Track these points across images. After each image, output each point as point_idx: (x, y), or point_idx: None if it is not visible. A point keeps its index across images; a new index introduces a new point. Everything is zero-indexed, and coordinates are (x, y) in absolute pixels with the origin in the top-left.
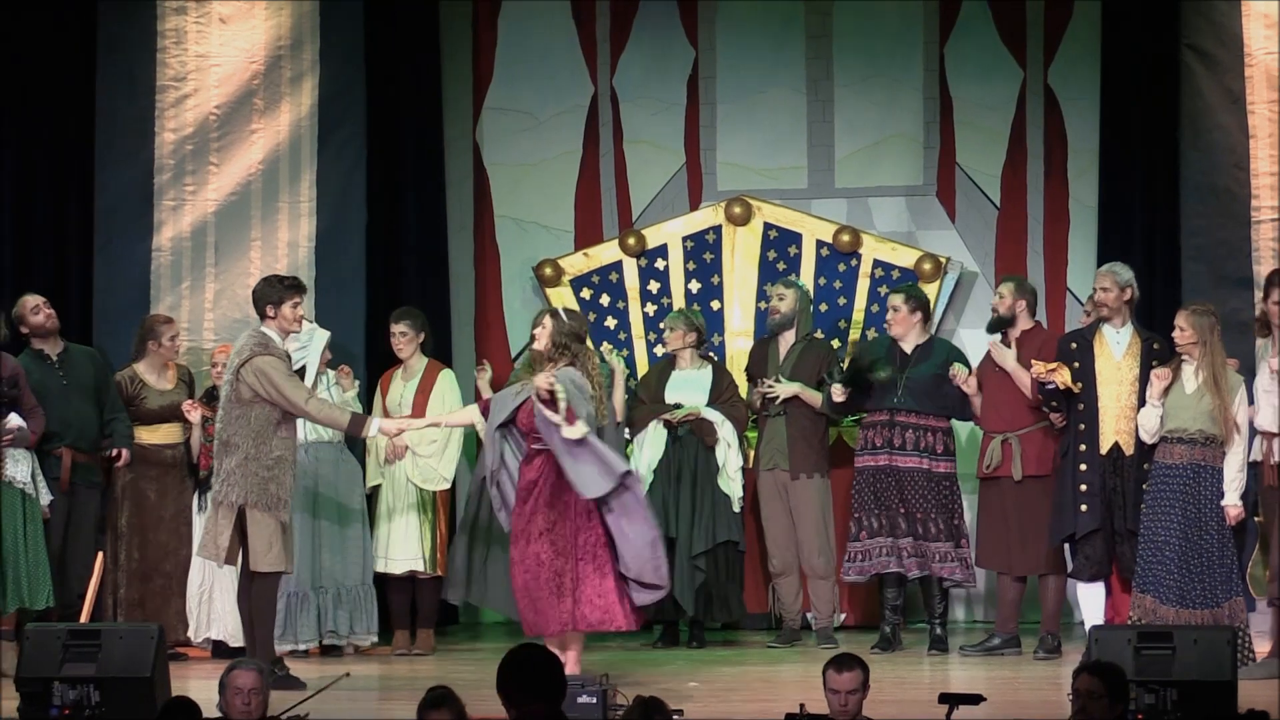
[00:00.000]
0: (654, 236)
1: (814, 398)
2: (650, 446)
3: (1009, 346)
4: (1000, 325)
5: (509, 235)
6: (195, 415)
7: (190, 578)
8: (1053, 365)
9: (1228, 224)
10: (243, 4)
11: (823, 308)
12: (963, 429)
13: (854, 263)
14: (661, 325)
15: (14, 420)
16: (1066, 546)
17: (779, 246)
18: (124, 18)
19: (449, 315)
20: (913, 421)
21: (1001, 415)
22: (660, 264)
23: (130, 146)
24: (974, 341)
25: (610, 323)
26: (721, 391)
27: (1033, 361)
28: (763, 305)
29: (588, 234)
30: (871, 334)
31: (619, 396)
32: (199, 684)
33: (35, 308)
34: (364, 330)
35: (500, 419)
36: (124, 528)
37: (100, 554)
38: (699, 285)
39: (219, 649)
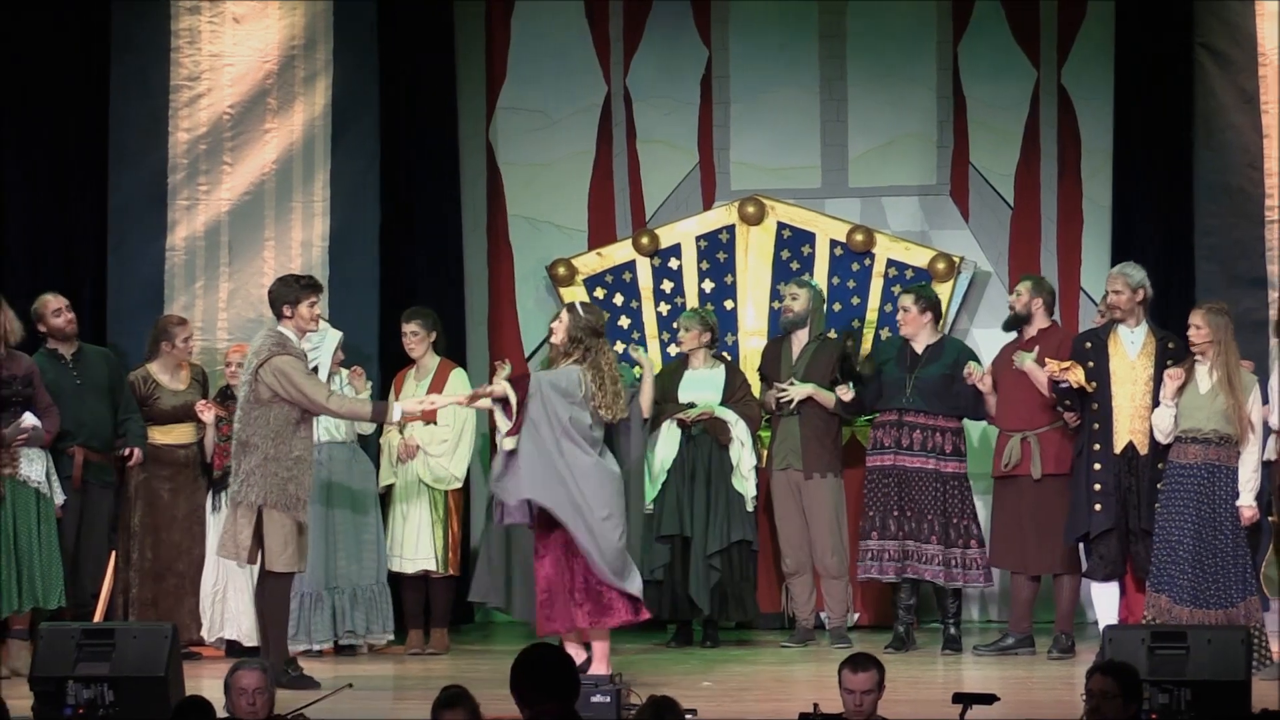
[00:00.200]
0: (667, 236)
1: (827, 398)
2: (664, 446)
3: (1026, 347)
4: (1016, 323)
5: (522, 235)
6: (209, 415)
7: (204, 577)
8: (1066, 364)
9: (1241, 224)
10: (256, 3)
11: (836, 307)
12: (975, 429)
13: (867, 262)
14: (676, 325)
15: (29, 419)
16: (1081, 546)
17: (792, 246)
18: (137, 17)
19: (463, 315)
20: (921, 421)
21: (1019, 414)
22: (673, 263)
23: (144, 146)
24: (987, 341)
25: (623, 322)
26: (734, 391)
27: (1046, 360)
28: (776, 305)
29: (601, 233)
30: (885, 334)
31: (647, 395)
32: (212, 683)
33: (57, 310)
34: (377, 330)
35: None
36: (137, 527)
37: (113, 553)
38: (712, 285)
39: (233, 648)
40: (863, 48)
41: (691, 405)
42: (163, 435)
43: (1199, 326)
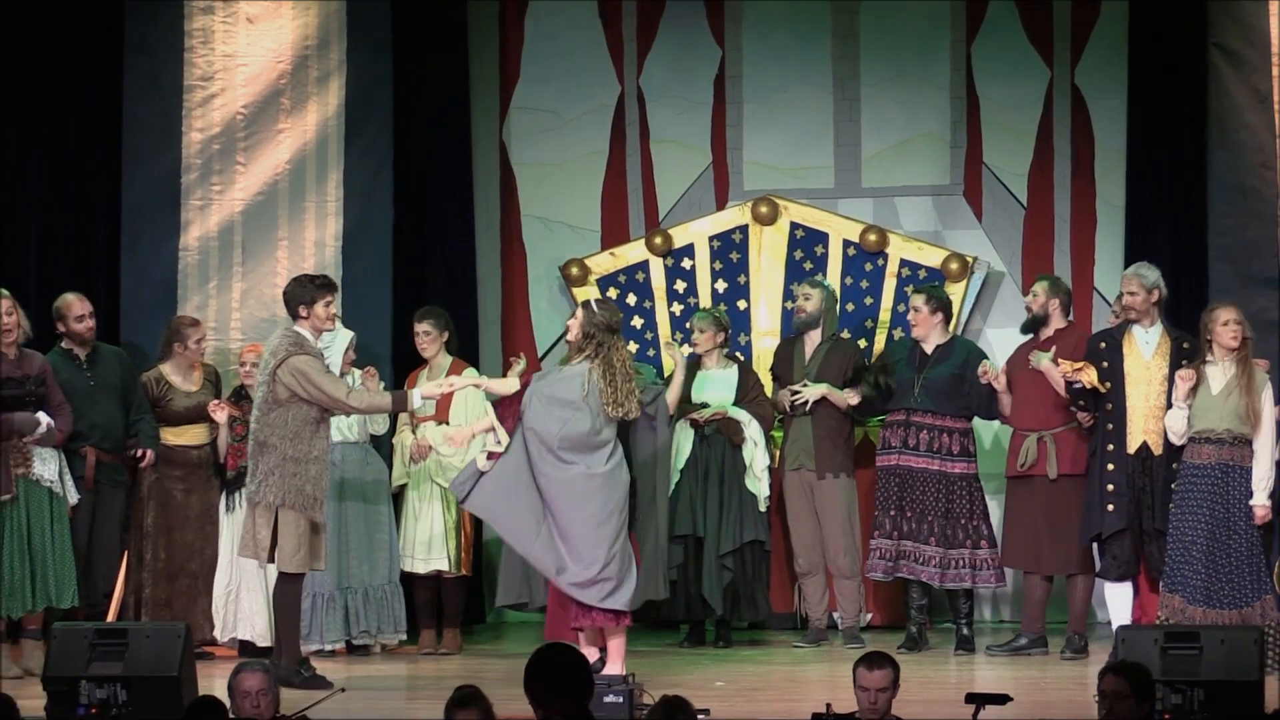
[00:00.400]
0: (680, 236)
1: (841, 399)
2: (677, 445)
3: (1043, 346)
4: (1034, 325)
5: (535, 234)
6: (221, 415)
7: (217, 577)
8: (1079, 364)
9: (1255, 223)
10: (270, 4)
11: (849, 307)
12: (987, 429)
13: (880, 262)
14: (689, 325)
15: (42, 419)
16: (1095, 546)
17: (805, 246)
18: (151, 18)
19: (476, 315)
20: (928, 422)
21: (1035, 413)
22: (687, 263)
23: (157, 146)
24: (1000, 341)
25: (637, 322)
26: (748, 391)
27: (1059, 360)
28: (789, 305)
29: (614, 233)
30: (898, 334)
31: (674, 392)
32: (225, 684)
33: (80, 316)
34: (390, 330)
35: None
36: (149, 527)
37: (125, 553)
38: (725, 285)
39: (246, 648)
40: (876, 47)
41: (705, 405)
42: (175, 436)
43: (1239, 322)
